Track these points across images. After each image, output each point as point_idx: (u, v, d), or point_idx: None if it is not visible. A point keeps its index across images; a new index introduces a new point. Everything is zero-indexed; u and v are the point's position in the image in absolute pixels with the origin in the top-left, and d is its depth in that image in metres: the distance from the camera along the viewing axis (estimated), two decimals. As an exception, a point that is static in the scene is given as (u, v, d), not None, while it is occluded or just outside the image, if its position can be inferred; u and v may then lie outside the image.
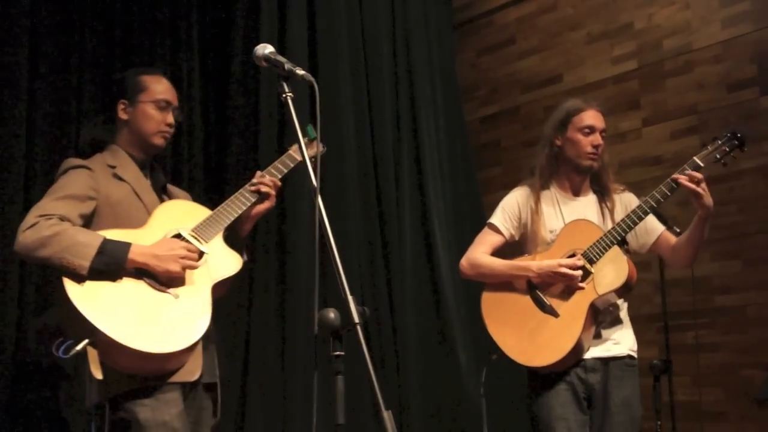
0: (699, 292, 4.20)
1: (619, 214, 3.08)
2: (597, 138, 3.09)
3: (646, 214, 2.95)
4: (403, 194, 4.97)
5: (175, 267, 2.50)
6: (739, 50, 4.40)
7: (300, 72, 2.20)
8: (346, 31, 4.89)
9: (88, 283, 2.37)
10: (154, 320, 2.42)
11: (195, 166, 4.38)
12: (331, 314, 1.88)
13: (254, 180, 2.82)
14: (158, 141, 2.74)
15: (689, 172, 2.87)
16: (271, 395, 4.19)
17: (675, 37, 4.66)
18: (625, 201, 3.16)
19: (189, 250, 2.55)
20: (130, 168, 2.71)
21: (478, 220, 5.26)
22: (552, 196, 3.16)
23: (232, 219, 2.73)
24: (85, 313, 2.33)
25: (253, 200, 2.80)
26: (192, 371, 2.55)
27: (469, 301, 4.86)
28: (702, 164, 2.90)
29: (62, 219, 2.44)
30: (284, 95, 2.20)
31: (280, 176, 2.89)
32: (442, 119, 5.30)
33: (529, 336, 3.01)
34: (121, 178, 2.66)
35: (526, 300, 3.06)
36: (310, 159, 2.80)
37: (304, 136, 2.82)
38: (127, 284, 2.44)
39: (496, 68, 5.55)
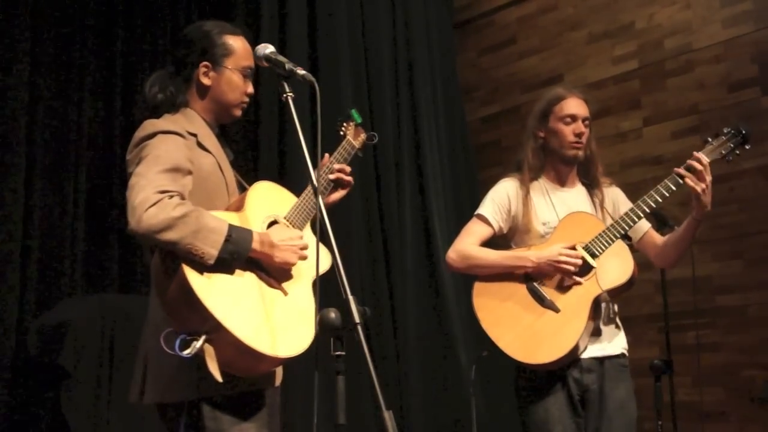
0: (700, 291, 4.19)
1: (609, 207, 3.02)
2: (579, 126, 2.99)
3: (650, 208, 2.85)
4: (403, 194, 4.97)
5: (293, 258, 2.26)
6: (740, 50, 4.40)
7: (301, 72, 2.18)
8: (346, 30, 4.89)
9: (207, 274, 2.11)
10: (271, 320, 2.17)
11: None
12: (332, 314, 1.88)
13: (332, 168, 2.56)
14: (238, 113, 2.46)
15: (693, 161, 2.78)
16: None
17: (676, 36, 4.66)
18: (612, 195, 3.08)
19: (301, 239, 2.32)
20: (211, 138, 2.40)
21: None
22: (541, 187, 3.07)
23: (315, 208, 2.47)
24: (211, 308, 2.06)
25: (330, 188, 2.57)
26: (279, 375, 2.40)
27: (470, 301, 4.85)
28: (706, 160, 2.81)
29: (182, 197, 2.15)
30: (285, 95, 2.18)
31: (348, 161, 2.65)
32: (443, 119, 5.30)
33: (528, 331, 2.87)
34: (206, 149, 2.35)
35: (523, 293, 2.91)
36: (359, 146, 2.70)
37: (349, 120, 2.71)
38: (241, 276, 2.19)
39: (497, 68, 5.55)
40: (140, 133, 2.29)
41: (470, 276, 3.16)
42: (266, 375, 2.30)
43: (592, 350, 2.92)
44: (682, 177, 2.80)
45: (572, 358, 2.86)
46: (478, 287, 3.03)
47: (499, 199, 3.08)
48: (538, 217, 3.02)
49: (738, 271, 4.29)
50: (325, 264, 2.27)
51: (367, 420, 4.15)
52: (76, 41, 4.23)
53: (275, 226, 2.36)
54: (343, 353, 1.88)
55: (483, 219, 3.08)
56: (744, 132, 2.85)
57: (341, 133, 2.72)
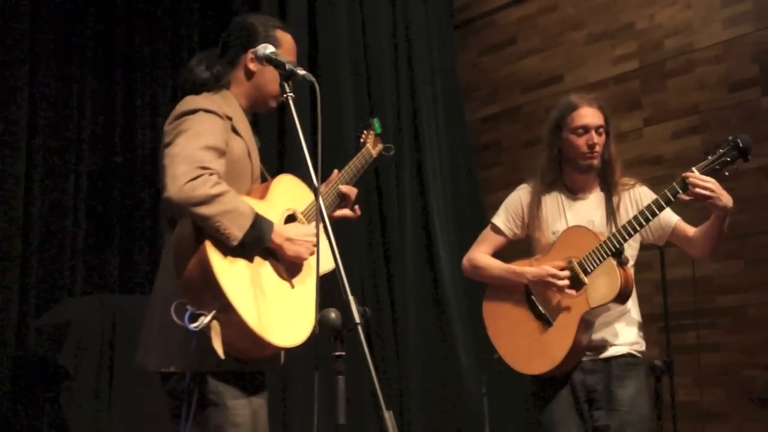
0: (700, 292, 4.19)
1: (628, 211, 3.01)
2: (591, 137, 3.00)
3: (641, 225, 2.87)
4: (404, 194, 4.97)
5: (305, 254, 2.34)
6: (740, 50, 4.39)
7: (301, 72, 2.19)
8: (346, 30, 4.89)
9: (227, 255, 2.19)
10: (275, 309, 2.26)
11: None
12: (333, 314, 1.88)
13: (341, 188, 2.66)
14: (273, 104, 2.53)
15: (693, 179, 2.75)
16: (272, 395, 4.18)
17: (676, 37, 4.65)
18: (635, 196, 3.06)
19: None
20: (244, 123, 2.45)
21: (478, 220, 5.27)
22: (557, 197, 3.11)
23: (330, 209, 2.61)
24: (225, 288, 2.14)
25: (338, 201, 2.67)
26: (280, 358, 2.45)
27: (470, 301, 4.86)
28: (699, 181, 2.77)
29: (219, 177, 2.22)
30: (285, 95, 2.20)
31: (354, 181, 2.75)
32: (443, 119, 5.30)
33: (523, 343, 3.01)
34: (238, 133, 2.40)
35: (523, 306, 3.04)
36: (375, 155, 2.80)
37: (370, 129, 2.81)
38: (257, 264, 2.27)
39: (497, 68, 5.54)
40: (182, 107, 2.34)
41: (471, 277, 3.23)
42: (270, 357, 2.36)
43: (596, 352, 2.98)
44: (675, 194, 2.79)
45: (572, 364, 2.95)
46: (488, 296, 3.18)
47: (513, 207, 3.17)
48: (549, 226, 3.08)
49: (738, 271, 4.28)
50: (327, 265, 2.32)
51: (367, 420, 4.15)
52: (77, 42, 4.24)
53: (293, 223, 2.44)
54: (343, 353, 1.89)
55: (495, 228, 3.20)
56: (742, 145, 2.77)
57: (361, 140, 2.81)
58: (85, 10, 4.28)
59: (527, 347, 3.00)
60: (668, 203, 2.83)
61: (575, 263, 2.94)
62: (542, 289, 2.99)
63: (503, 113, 5.50)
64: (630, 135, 4.77)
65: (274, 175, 2.54)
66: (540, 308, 3.00)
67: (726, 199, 2.77)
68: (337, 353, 1.89)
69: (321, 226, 2.05)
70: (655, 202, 2.85)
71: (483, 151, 5.56)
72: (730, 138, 2.81)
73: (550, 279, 2.93)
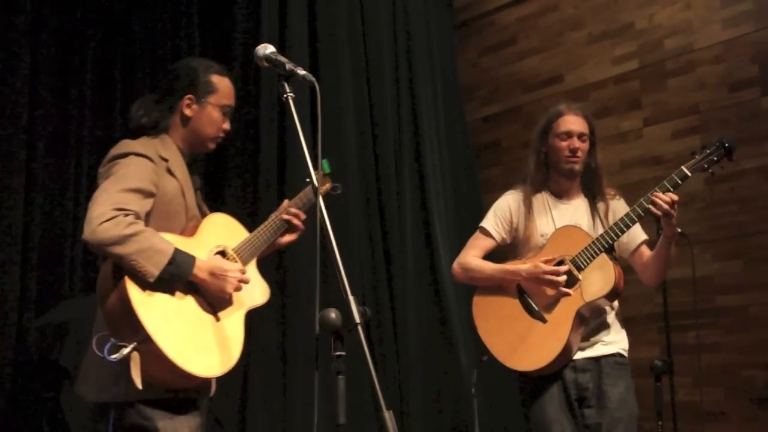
0: (700, 292, 4.18)
1: (611, 220, 3.10)
2: (574, 142, 3.11)
3: (633, 222, 2.97)
4: (404, 195, 4.97)
5: (230, 288, 2.44)
6: (740, 50, 4.40)
7: (301, 72, 2.19)
8: (346, 31, 4.89)
9: (147, 291, 2.31)
10: (198, 341, 2.37)
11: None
12: (333, 314, 1.89)
13: (288, 211, 2.74)
14: (212, 146, 2.65)
15: (662, 196, 2.87)
16: (272, 395, 4.19)
17: (676, 37, 4.66)
18: (614, 207, 3.18)
19: (241, 272, 2.50)
20: (180, 165, 2.57)
21: (478, 220, 5.25)
22: (543, 201, 3.20)
23: (265, 246, 2.69)
24: (144, 321, 2.25)
25: (283, 229, 2.75)
26: (212, 386, 2.57)
27: (470, 302, 4.85)
28: (690, 174, 2.92)
29: (137, 217, 2.33)
30: (285, 95, 2.20)
31: (305, 209, 2.82)
32: (443, 119, 5.30)
33: (517, 340, 3.05)
34: (173, 174, 2.53)
35: (516, 304, 3.09)
36: (321, 194, 2.88)
37: (316, 168, 2.89)
38: (179, 298, 2.38)
39: (498, 68, 5.55)
40: (115, 150, 2.48)
41: (462, 281, 3.29)
42: (197, 386, 2.45)
43: (587, 351, 3.05)
44: (653, 203, 2.89)
45: (564, 361, 3.01)
46: (477, 297, 3.22)
47: (501, 212, 3.24)
48: (538, 230, 3.15)
49: (738, 271, 4.28)
50: (262, 299, 2.59)
51: (367, 420, 4.15)
52: (76, 49, 4.24)
53: (219, 257, 2.53)
54: (343, 353, 1.89)
55: (485, 232, 3.26)
56: (727, 145, 2.91)
57: (307, 179, 2.84)
58: (85, 17, 4.28)
59: (520, 344, 3.04)
60: (646, 211, 2.92)
61: (568, 260, 3.01)
62: (536, 287, 3.03)
63: (503, 113, 5.50)
64: (630, 135, 4.77)
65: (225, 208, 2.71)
66: (533, 305, 3.05)
67: (674, 220, 2.90)
68: (337, 353, 1.89)
69: (320, 226, 2.06)
70: (647, 199, 2.93)
71: (483, 151, 5.57)
72: (716, 138, 2.94)
73: (548, 276, 2.98)
